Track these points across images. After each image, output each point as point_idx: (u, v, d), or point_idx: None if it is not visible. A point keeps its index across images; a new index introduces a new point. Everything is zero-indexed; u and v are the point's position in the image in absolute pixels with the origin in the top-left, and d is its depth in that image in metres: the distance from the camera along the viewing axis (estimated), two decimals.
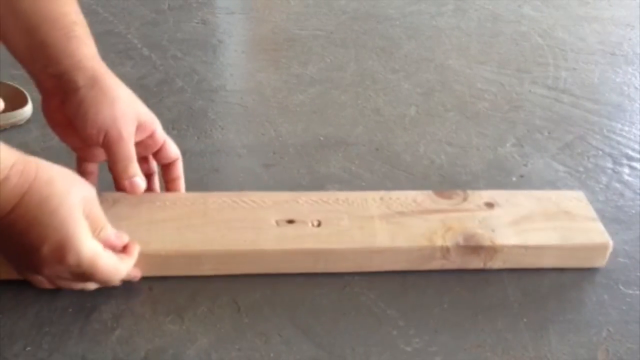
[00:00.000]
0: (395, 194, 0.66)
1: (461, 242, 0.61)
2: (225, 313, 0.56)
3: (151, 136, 0.60)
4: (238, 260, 0.59)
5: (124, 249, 0.54)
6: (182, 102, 0.87)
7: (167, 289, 0.58)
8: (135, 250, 0.55)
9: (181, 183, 0.64)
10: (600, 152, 0.81)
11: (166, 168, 0.64)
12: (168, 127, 0.80)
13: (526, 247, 0.62)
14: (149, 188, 0.62)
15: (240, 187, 0.72)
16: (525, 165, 0.78)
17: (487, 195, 0.66)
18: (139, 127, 0.58)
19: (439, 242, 0.61)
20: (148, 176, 0.62)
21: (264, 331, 0.55)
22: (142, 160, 0.62)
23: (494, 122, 0.86)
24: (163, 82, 0.91)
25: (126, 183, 0.57)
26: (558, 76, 0.99)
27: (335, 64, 1.00)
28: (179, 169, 0.64)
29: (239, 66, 1.00)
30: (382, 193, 0.65)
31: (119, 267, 0.53)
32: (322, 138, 0.82)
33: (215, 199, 0.63)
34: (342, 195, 0.65)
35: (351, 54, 1.03)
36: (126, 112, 0.56)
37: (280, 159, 0.77)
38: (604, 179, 0.76)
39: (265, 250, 0.58)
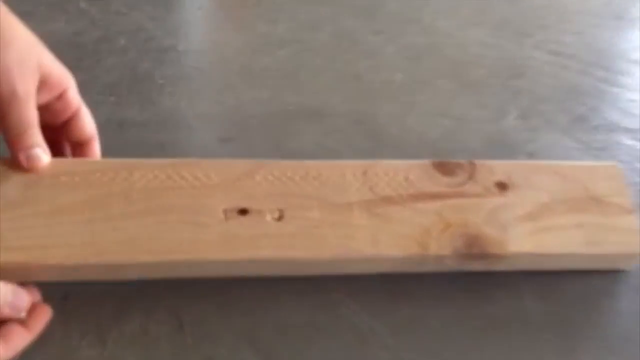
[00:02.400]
0: (383, 167, 0.51)
1: (461, 248, 0.48)
2: (163, 332, 0.43)
3: (60, 98, 0.46)
4: (174, 269, 0.45)
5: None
6: (124, 63, 0.72)
7: (86, 298, 0.44)
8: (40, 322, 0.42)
9: None
10: (617, 126, 0.69)
11: (77, 149, 0.49)
12: (105, 93, 0.66)
13: (543, 255, 0.49)
14: None
15: None
16: (533, 141, 0.66)
17: (500, 170, 0.53)
18: (43, 84, 0.44)
19: (433, 248, 0.47)
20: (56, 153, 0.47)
21: (214, 356, 0.42)
22: (47, 130, 0.47)
23: (494, 91, 0.74)
24: (102, 40, 0.77)
25: (21, 156, 0.43)
26: (562, 40, 0.87)
27: (308, 23, 0.86)
28: (95, 152, 0.49)
29: (195, 24, 0.86)
30: (366, 165, 0.51)
31: None
32: (292, 107, 0.68)
33: (144, 173, 0.48)
34: (314, 167, 0.51)
35: (327, 12, 0.90)
36: (24, 61, 0.42)
37: (242, 132, 0.64)
38: (624, 157, 0.65)
39: (206, 260, 0.45)
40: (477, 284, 0.49)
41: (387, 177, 0.51)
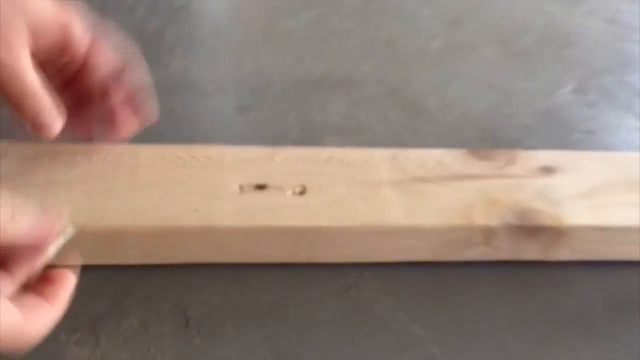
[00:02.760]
0: (413, 153, 0.46)
1: (513, 220, 0.42)
2: (167, 329, 0.37)
3: (66, 46, 0.39)
4: (183, 243, 0.39)
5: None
6: (131, 21, 0.65)
7: (78, 288, 0.38)
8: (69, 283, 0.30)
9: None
10: None
11: (117, 113, 0.42)
12: None
13: (606, 230, 0.42)
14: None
15: (205, 137, 0.51)
16: (592, 118, 0.58)
17: (542, 156, 0.47)
18: (38, 39, 0.37)
19: (480, 219, 0.41)
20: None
21: (226, 359, 0.35)
22: (75, 92, 0.41)
23: (545, 61, 0.66)
24: None
25: (28, 126, 0.38)
26: (618, 8, 0.78)
27: None
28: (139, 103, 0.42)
29: None
30: (394, 151, 0.46)
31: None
32: (317, 75, 0.61)
33: (151, 154, 0.43)
34: (338, 152, 0.45)
35: None
36: (5, 21, 0.35)
37: (262, 101, 0.57)
38: None
39: (221, 228, 0.39)
40: (531, 277, 0.42)
41: (419, 161, 0.45)
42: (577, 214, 0.42)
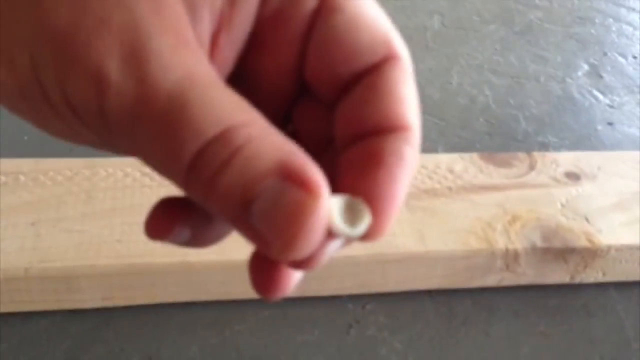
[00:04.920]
0: (419, 159, 0.39)
1: (538, 241, 0.36)
2: None
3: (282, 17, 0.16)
4: (151, 283, 0.33)
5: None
6: None
7: (28, 339, 0.32)
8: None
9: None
10: None
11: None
12: None
13: None
14: None
15: None
16: (612, 105, 0.52)
17: (566, 159, 0.41)
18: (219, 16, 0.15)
19: (501, 242, 0.36)
20: None
21: None
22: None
23: (555, 39, 0.59)
24: None
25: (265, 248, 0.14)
26: None
27: None
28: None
29: None
30: None
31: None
32: None
33: (111, 171, 0.36)
34: None
35: None
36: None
37: None
38: None
39: (197, 263, 0.32)
40: (558, 304, 0.36)
41: (427, 170, 0.38)
42: (613, 231, 0.37)
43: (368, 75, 0.16)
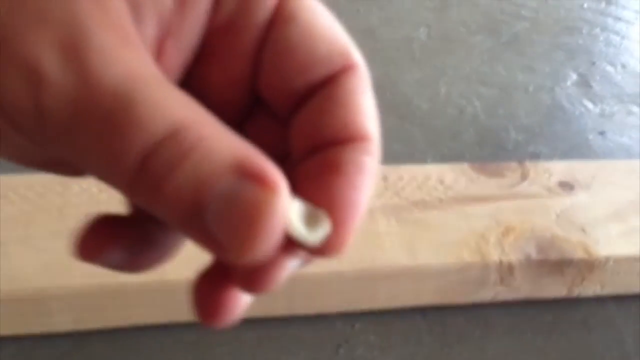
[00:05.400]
0: (408, 171, 0.38)
1: (534, 253, 0.34)
2: None
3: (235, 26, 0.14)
4: (126, 304, 0.31)
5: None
6: None
7: None
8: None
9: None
10: None
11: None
12: None
13: None
14: None
15: None
16: (602, 114, 0.51)
17: (559, 169, 0.40)
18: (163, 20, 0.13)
19: (495, 254, 0.34)
20: None
21: None
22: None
23: (542, 50, 0.59)
24: None
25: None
26: None
27: None
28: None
29: None
30: (385, 169, 0.38)
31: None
32: None
33: (85, 186, 0.34)
34: None
35: None
36: None
37: None
38: None
39: (174, 281, 0.31)
40: (555, 319, 0.35)
41: (416, 182, 0.37)
42: (610, 241, 0.35)
43: (325, 86, 0.15)
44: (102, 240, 0.14)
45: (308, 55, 0.14)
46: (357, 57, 0.15)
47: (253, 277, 0.13)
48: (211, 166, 0.12)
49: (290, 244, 0.13)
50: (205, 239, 0.12)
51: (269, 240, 0.12)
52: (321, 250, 0.13)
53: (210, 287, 0.14)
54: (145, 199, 0.12)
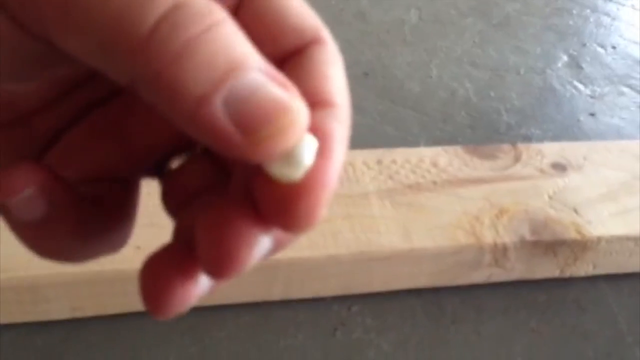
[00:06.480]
0: (402, 153, 0.38)
1: (527, 235, 0.35)
2: None
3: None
4: (123, 290, 0.31)
5: None
6: None
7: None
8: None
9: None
10: None
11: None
12: None
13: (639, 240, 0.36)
14: None
15: None
16: (593, 96, 0.51)
17: (552, 150, 0.40)
18: None
19: (489, 236, 0.34)
20: None
21: None
22: None
23: (533, 31, 0.59)
24: None
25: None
26: None
27: None
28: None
29: None
30: (379, 153, 0.38)
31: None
32: None
33: None
34: None
35: None
36: None
37: None
38: None
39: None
40: (548, 299, 0.35)
41: (410, 165, 0.37)
42: (602, 222, 0.36)
43: (295, 56, 0.14)
44: (21, 179, 0.12)
45: (279, 25, 0.14)
46: (327, 35, 0.15)
47: (219, 256, 0.12)
48: (240, 50, 0.11)
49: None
50: (209, 128, 0.11)
51: (286, 143, 0.11)
52: (292, 225, 0.12)
53: (160, 273, 0.13)
54: (158, 66, 0.11)
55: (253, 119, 0.11)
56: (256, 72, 0.11)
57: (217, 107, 0.11)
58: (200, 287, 0.13)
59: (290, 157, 0.12)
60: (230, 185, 0.15)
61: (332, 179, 0.13)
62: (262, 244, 0.12)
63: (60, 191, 0.13)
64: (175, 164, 0.16)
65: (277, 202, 0.12)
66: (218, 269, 0.12)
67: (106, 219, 0.15)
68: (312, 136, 0.12)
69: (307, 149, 0.12)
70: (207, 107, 0.11)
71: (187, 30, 0.11)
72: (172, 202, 0.16)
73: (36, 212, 0.13)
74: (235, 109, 0.11)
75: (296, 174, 0.12)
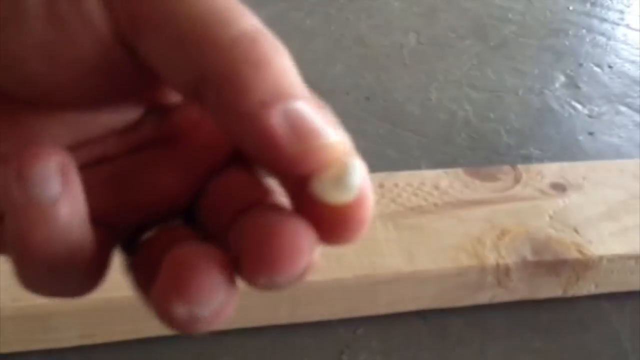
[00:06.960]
0: (404, 177, 0.39)
1: (529, 255, 0.35)
2: None
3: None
4: (133, 316, 0.31)
5: None
6: None
7: None
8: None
9: None
10: None
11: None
12: None
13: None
14: None
15: None
16: (591, 115, 0.52)
17: (551, 171, 0.41)
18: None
19: (491, 257, 0.35)
20: None
21: None
22: None
23: (530, 52, 0.60)
24: None
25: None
26: None
27: None
28: None
29: None
30: (381, 176, 0.39)
31: None
32: None
33: None
34: None
35: None
36: None
37: None
38: None
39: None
40: (552, 318, 0.36)
41: (412, 188, 0.38)
42: (603, 241, 0.36)
43: None
44: (43, 152, 0.12)
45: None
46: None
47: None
48: (289, 79, 0.12)
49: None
50: (270, 128, 0.12)
51: (334, 157, 0.13)
52: (349, 227, 0.13)
53: (190, 261, 0.12)
54: (232, 68, 0.12)
55: (308, 130, 0.12)
56: (310, 102, 0.13)
57: (278, 113, 0.12)
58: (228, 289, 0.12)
59: (341, 181, 0.13)
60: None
61: (370, 187, 0.13)
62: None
63: (75, 178, 0.13)
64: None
65: (330, 222, 0.13)
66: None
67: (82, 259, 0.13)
68: (358, 159, 0.13)
69: (357, 172, 0.13)
70: (269, 111, 0.12)
71: (265, 47, 0.12)
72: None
73: (51, 190, 0.12)
74: (293, 120, 0.12)
75: (349, 196, 0.13)
